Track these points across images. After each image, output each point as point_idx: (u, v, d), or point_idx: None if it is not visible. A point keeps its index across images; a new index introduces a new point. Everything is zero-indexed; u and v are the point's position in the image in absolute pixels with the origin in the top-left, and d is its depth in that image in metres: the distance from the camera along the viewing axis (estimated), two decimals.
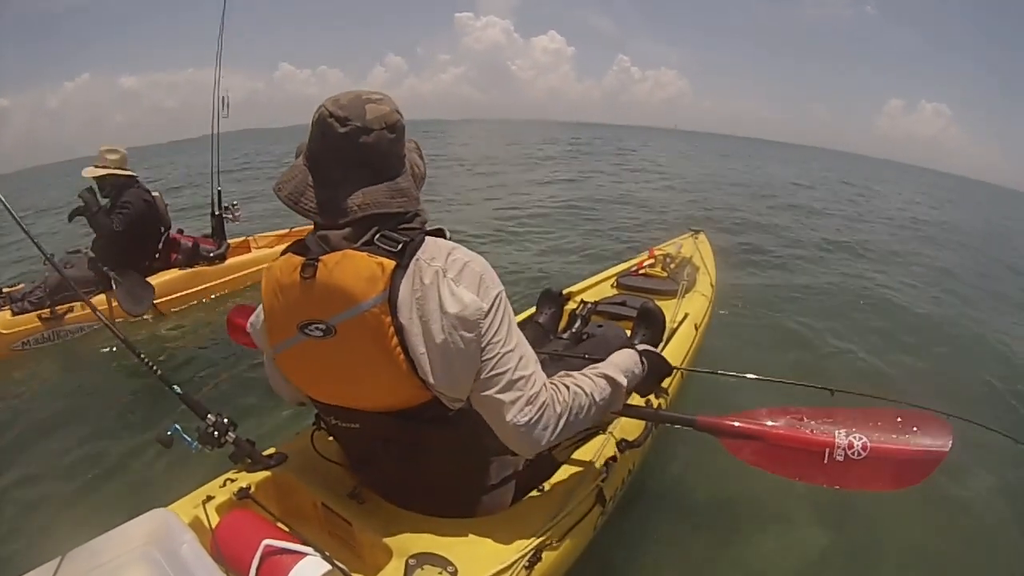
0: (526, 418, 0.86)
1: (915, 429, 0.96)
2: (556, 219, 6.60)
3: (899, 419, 0.99)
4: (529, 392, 0.87)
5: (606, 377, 1.01)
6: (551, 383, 0.93)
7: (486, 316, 0.83)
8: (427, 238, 0.87)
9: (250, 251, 3.93)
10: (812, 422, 1.04)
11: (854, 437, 0.97)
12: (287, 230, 4.13)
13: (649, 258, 2.81)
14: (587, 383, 0.98)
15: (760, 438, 1.05)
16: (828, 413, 1.05)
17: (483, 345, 0.84)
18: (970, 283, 5.14)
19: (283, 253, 0.90)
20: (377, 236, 0.84)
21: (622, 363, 1.07)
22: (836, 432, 0.99)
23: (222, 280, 3.51)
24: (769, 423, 1.07)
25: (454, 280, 0.82)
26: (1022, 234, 10.97)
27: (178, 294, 3.28)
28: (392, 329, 0.81)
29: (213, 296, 3.46)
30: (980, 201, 20.55)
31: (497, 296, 0.85)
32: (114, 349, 2.71)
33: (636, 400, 1.43)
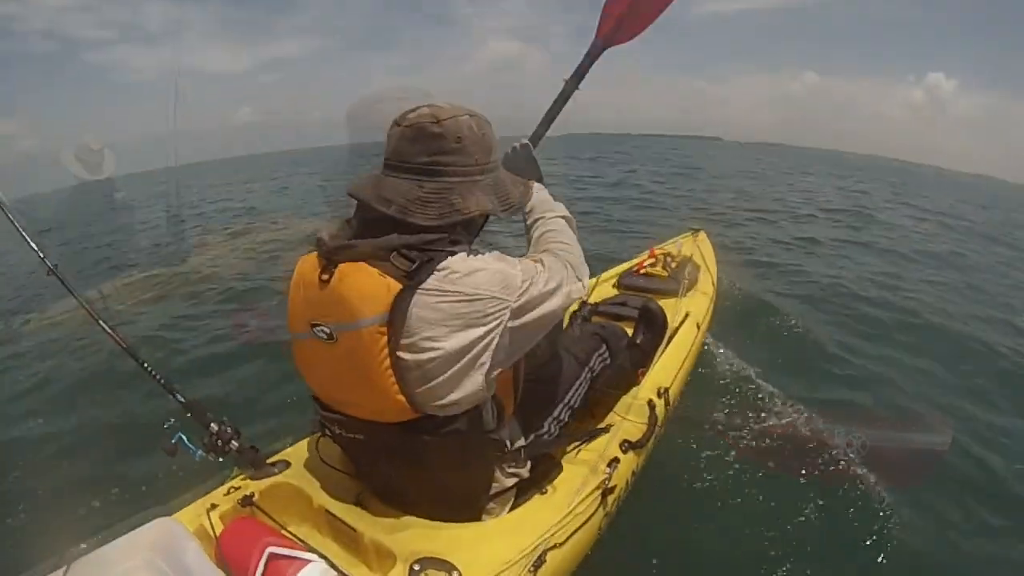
0: (578, 286, 0.97)
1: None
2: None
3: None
4: (574, 284, 0.96)
5: (560, 217, 1.08)
6: (543, 260, 0.96)
7: (516, 316, 0.86)
8: (449, 258, 0.84)
9: None
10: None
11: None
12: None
13: (650, 258, 2.80)
14: (556, 235, 1.04)
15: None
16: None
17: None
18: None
19: (317, 241, 0.89)
20: (393, 253, 0.82)
21: (547, 201, 1.12)
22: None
23: None
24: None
25: (472, 298, 0.82)
26: None
27: None
28: (386, 351, 0.81)
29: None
30: None
31: (521, 284, 0.86)
32: (113, 355, 2.65)
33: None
